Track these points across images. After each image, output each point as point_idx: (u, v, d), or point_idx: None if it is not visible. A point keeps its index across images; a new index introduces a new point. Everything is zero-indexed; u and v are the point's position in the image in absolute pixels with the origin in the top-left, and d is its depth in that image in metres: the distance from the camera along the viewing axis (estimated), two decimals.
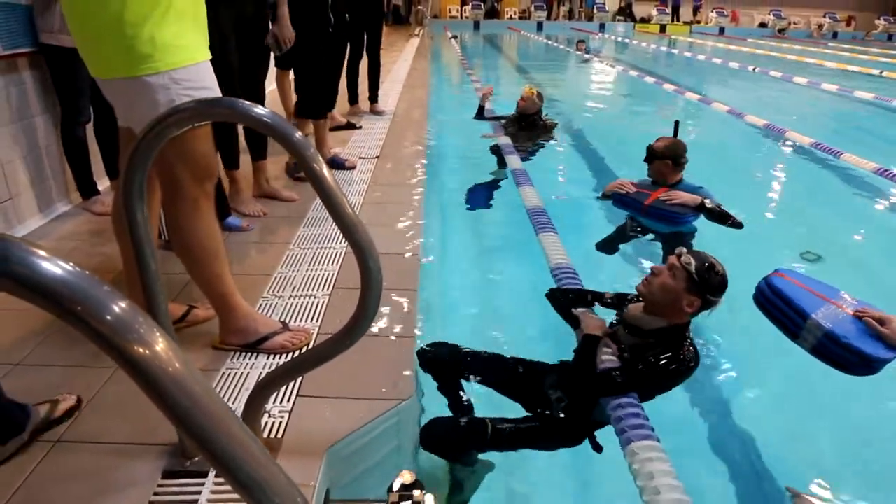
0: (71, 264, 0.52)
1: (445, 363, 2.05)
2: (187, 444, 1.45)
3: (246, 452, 0.57)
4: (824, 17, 24.88)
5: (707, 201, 3.28)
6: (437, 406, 2.05)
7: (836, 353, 1.84)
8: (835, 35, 24.36)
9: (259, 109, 1.19)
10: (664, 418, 1.81)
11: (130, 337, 0.53)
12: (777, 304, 2.02)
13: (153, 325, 0.55)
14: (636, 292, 1.98)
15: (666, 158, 3.38)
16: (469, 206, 4.17)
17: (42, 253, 0.51)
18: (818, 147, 5.32)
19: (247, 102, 1.20)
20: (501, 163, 4.84)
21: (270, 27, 3.03)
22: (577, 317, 2.10)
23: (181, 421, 0.56)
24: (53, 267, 0.51)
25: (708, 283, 1.84)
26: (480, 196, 4.39)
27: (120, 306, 0.53)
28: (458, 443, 1.87)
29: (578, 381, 1.92)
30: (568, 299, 2.21)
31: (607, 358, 1.88)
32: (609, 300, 2.17)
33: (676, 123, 3.66)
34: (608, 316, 2.13)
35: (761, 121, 6.32)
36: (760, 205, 4.20)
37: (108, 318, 0.52)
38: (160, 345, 0.54)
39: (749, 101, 8.29)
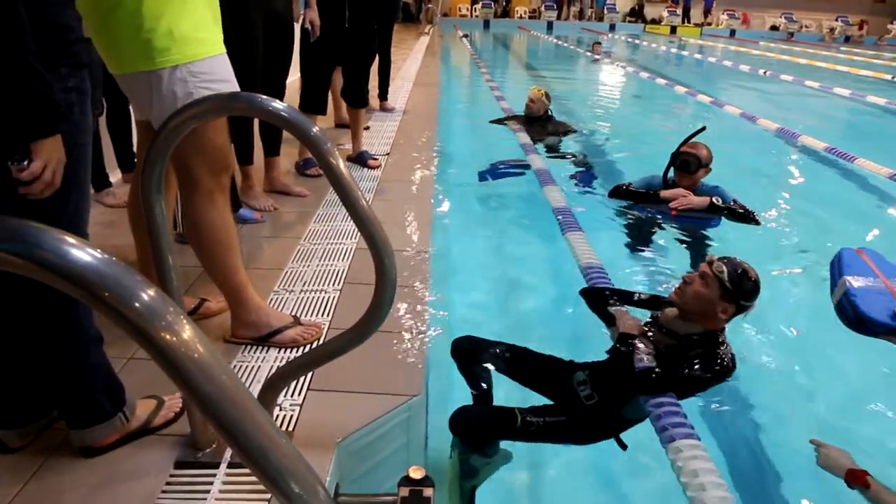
0: (99, 252, 0.52)
1: (474, 354, 2.07)
2: (200, 435, 1.46)
3: (271, 441, 0.58)
4: (836, 20, 24.71)
5: (716, 200, 3.30)
6: (447, 402, 2.05)
7: (845, 308, 2.09)
8: (847, 39, 24.21)
9: (276, 104, 1.20)
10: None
11: (158, 324, 0.53)
12: (833, 268, 2.27)
13: (181, 313, 0.55)
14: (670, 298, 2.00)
15: (707, 166, 3.41)
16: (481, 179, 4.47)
17: (71, 240, 0.52)
18: (832, 152, 5.29)
19: (264, 97, 1.21)
20: None
21: (303, 13, 3.05)
22: (612, 315, 2.10)
23: (207, 408, 0.57)
24: (83, 254, 0.52)
25: (741, 290, 1.86)
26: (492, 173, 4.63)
27: (148, 294, 0.53)
28: (486, 431, 1.89)
29: (612, 378, 1.92)
30: (603, 297, 2.22)
31: (645, 357, 1.88)
32: (643, 300, 2.18)
33: (703, 129, 3.61)
34: (642, 315, 2.13)
35: (774, 124, 6.29)
36: (773, 209, 4.17)
37: (137, 304, 0.53)
38: (187, 333, 0.54)
39: (760, 104, 8.27)
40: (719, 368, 1.84)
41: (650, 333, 1.99)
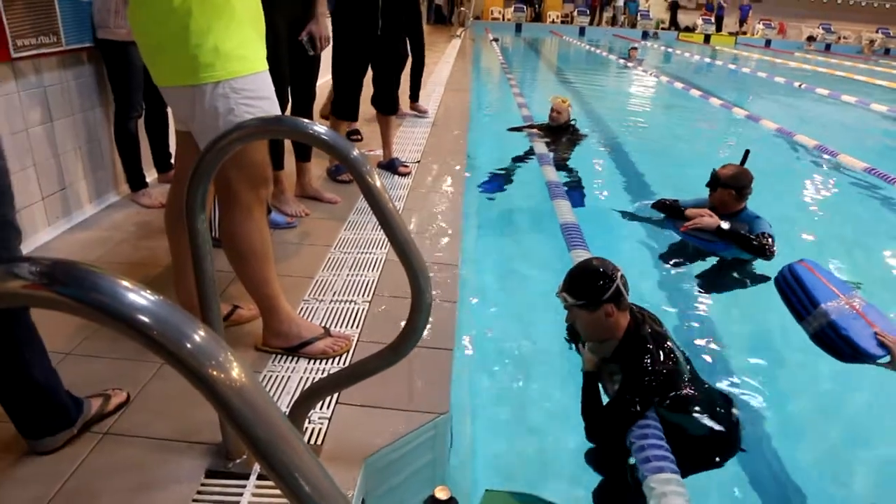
0: (149, 292, 0.53)
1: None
2: (232, 446, 1.49)
3: (319, 484, 0.58)
4: (877, 32, 24.19)
5: (724, 224, 3.25)
6: (470, 422, 2.06)
7: (835, 341, 2.09)
8: (887, 52, 23.68)
9: (318, 128, 1.22)
10: None
11: (208, 363, 0.55)
12: (794, 288, 2.26)
13: (230, 353, 0.56)
14: None
15: (730, 188, 3.34)
16: (482, 190, 4.57)
17: (128, 284, 0.53)
18: (872, 172, 5.16)
19: (307, 121, 1.23)
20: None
21: (307, 25, 2.90)
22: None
23: (257, 450, 0.58)
24: (138, 298, 0.53)
25: (592, 294, 1.86)
26: (494, 184, 4.73)
27: (199, 334, 0.55)
28: (613, 497, 1.91)
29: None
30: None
31: (613, 388, 1.89)
32: None
33: (747, 153, 3.55)
34: None
35: (812, 141, 6.16)
36: (810, 233, 4.08)
37: (188, 345, 0.54)
38: (235, 371, 0.56)
39: (795, 118, 8.11)
40: (658, 367, 1.82)
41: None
